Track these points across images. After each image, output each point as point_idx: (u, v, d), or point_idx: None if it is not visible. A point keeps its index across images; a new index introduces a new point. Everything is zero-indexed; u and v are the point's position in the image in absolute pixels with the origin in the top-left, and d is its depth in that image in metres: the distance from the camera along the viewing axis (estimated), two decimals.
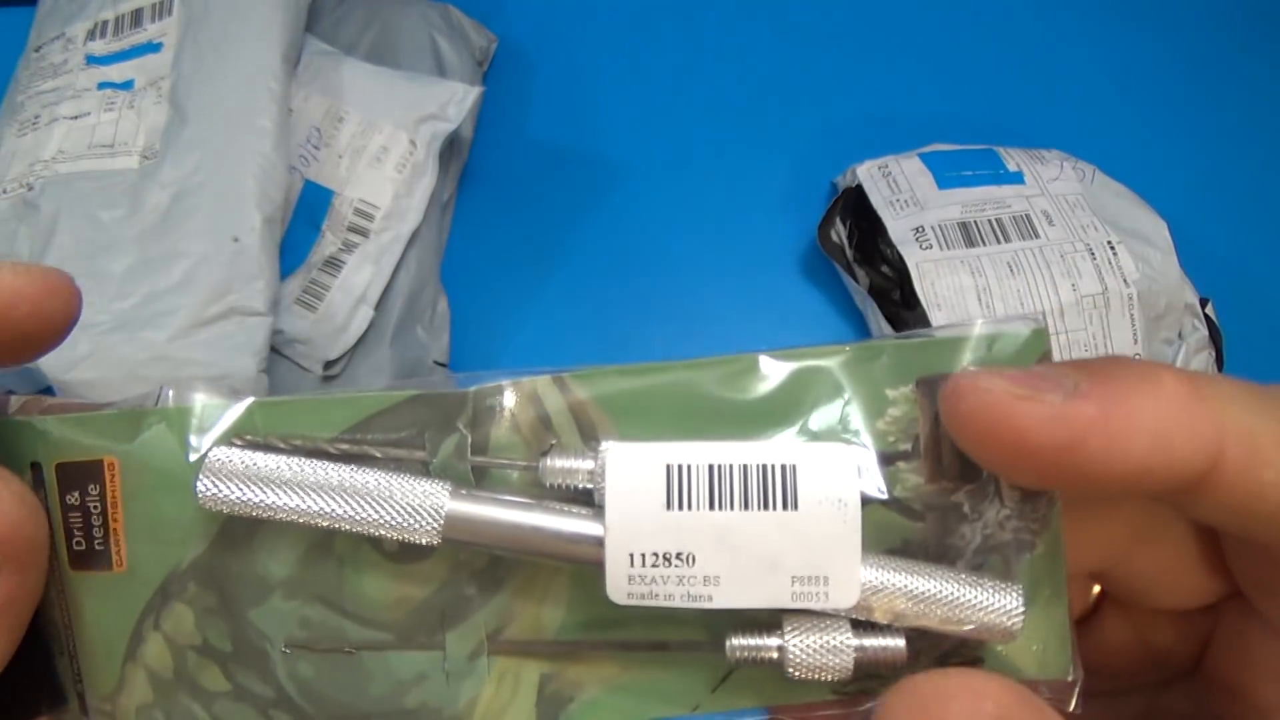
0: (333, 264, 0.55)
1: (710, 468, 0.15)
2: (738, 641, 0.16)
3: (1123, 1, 0.71)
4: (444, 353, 0.57)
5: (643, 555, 0.15)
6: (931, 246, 0.55)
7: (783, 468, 0.15)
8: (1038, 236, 0.55)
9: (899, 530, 0.16)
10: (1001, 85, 0.68)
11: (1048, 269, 0.54)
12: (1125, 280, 0.54)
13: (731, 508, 0.15)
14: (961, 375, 0.15)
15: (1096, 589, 0.19)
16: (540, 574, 0.17)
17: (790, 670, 0.15)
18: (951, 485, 0.16)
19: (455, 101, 0.58)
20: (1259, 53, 0.70)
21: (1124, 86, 0.69)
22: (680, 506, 0.15)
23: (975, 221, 0.56)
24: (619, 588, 0.15)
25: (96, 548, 0.17)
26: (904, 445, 0.16)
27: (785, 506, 0.15)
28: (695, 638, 0.16)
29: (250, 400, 0.17)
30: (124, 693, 0.17)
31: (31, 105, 0.56)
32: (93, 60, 0.57)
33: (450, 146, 0.60)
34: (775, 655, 0.16)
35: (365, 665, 0.16)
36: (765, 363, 0.17)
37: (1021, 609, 0.15)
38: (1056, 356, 0.58)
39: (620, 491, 0.15)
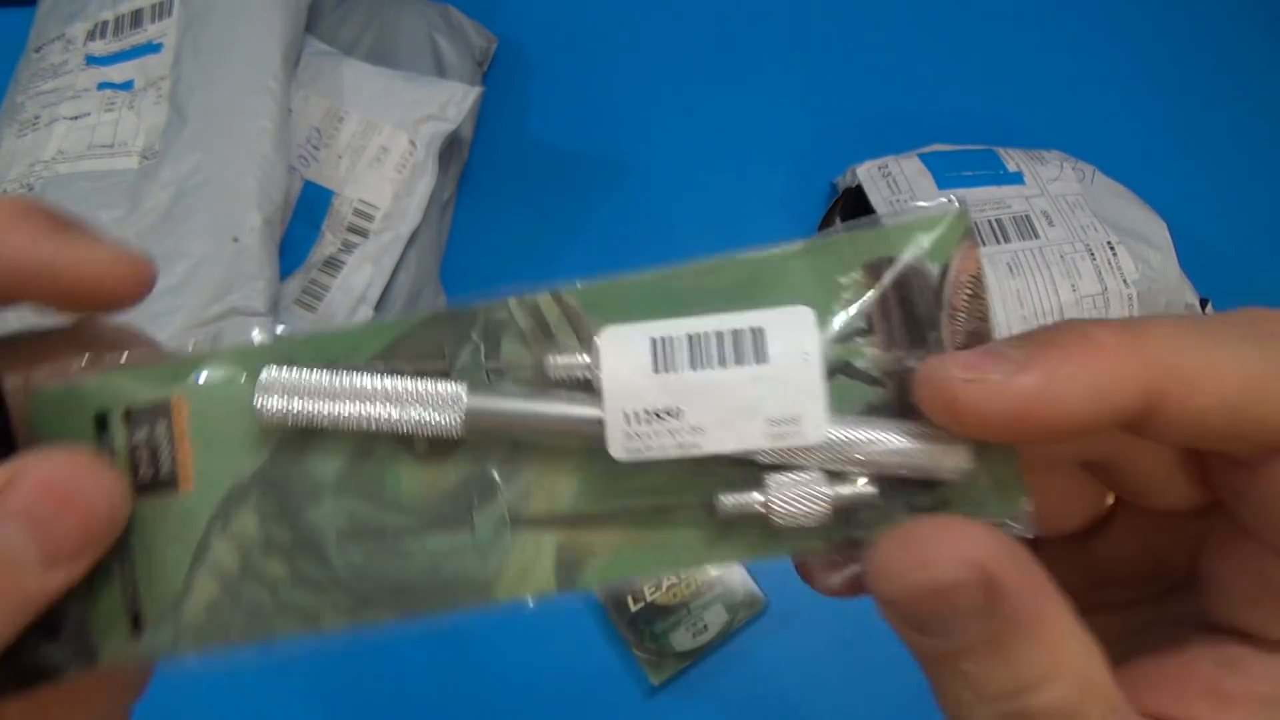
0: (333, 264, 0.55)
1: (689, 336, 0.18)
2: (728, 500, 0.18)
3: (1123, 2, 0.71)
4: None
5: (636, 414, 0.18)
6: None
7: (752, 330, 0.18)
8: (1037, 237, 0.55)
9: (862, 395, 0.19)
10: (1001, 85, 0.68)
11: (1047, 269, 0.54)
12: (1125, 280, 0.54)
13: (710, 367, 0.18)
14: (926, 364, 0.17)
15: (1111, 499, 0.22)
16: (552, 458, 0.19)
17: (776, 519, 0.18)
18: (904, 353, 0.19)
19: (455, 101, 0.58)
20: (1259, 53, 0.70)
21: (1124, 86, 0.69)
22: (665, 370, 0.18)
23: (975, 222, 0.56)
24: (619, 443, 0.18)
25: (163, 475, 0.20)
26: (859, 323, 0.19)
27: (757, 361, 0.18)
28: (691, 502, 0.19)
29: (282, 330, 0.19)
30: (191, 595, 0.19)
31: (31, 105, 0.56)
32: (93, 61, 0.57)
33: (450, 146, 0.60)
34: (762, 508, 0.18)
35: (406, 547, 0.19)
36: (731, 258, 0.19)
37: (966, 446, 0.18)
38: None
39: (613, 364, 0.18)
